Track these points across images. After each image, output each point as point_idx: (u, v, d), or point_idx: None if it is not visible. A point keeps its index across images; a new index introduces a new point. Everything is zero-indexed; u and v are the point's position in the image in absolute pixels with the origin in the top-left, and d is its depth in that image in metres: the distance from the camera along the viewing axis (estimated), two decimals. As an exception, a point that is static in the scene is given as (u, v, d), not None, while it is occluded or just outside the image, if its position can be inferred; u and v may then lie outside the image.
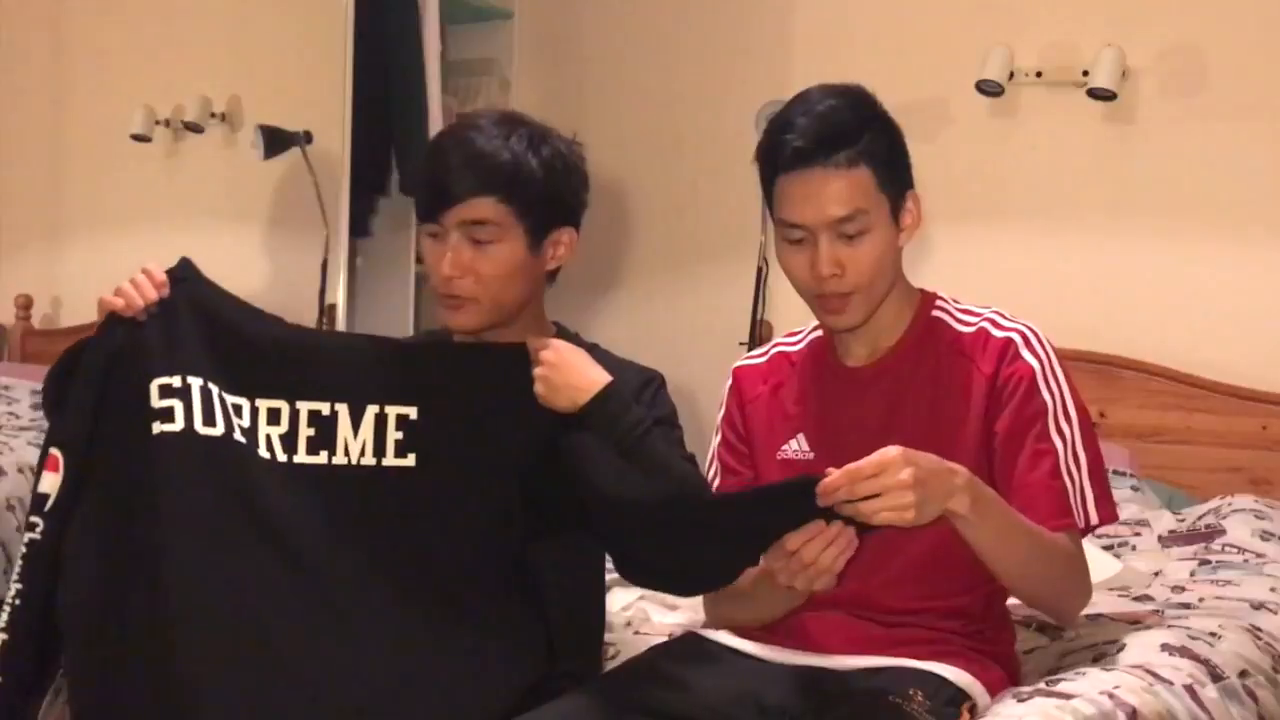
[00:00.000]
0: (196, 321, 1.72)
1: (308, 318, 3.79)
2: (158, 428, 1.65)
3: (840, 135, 1.73)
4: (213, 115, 4.18)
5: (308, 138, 3.81)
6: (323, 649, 1.65)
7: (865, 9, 3.76)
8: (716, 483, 1.93)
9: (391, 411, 1.73)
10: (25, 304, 4.48)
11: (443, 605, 1.70)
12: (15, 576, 1.66)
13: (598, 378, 1.74)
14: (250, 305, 1.80)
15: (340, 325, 3.80)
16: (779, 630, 1.79)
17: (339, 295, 3.80)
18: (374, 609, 1.68)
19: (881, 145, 1.76)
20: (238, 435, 1.69)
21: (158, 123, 4.28)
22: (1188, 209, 3.34)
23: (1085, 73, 3.37)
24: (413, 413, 1.73)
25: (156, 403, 1.66)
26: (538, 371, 1.74)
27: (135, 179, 4.39)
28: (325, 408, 1.72)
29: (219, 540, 1.65)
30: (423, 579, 1.70)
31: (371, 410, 1.73)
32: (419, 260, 3.93)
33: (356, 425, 1.72)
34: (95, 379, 1.68)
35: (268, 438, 1.71)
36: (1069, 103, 3.43)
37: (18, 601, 1.65)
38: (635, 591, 2.32)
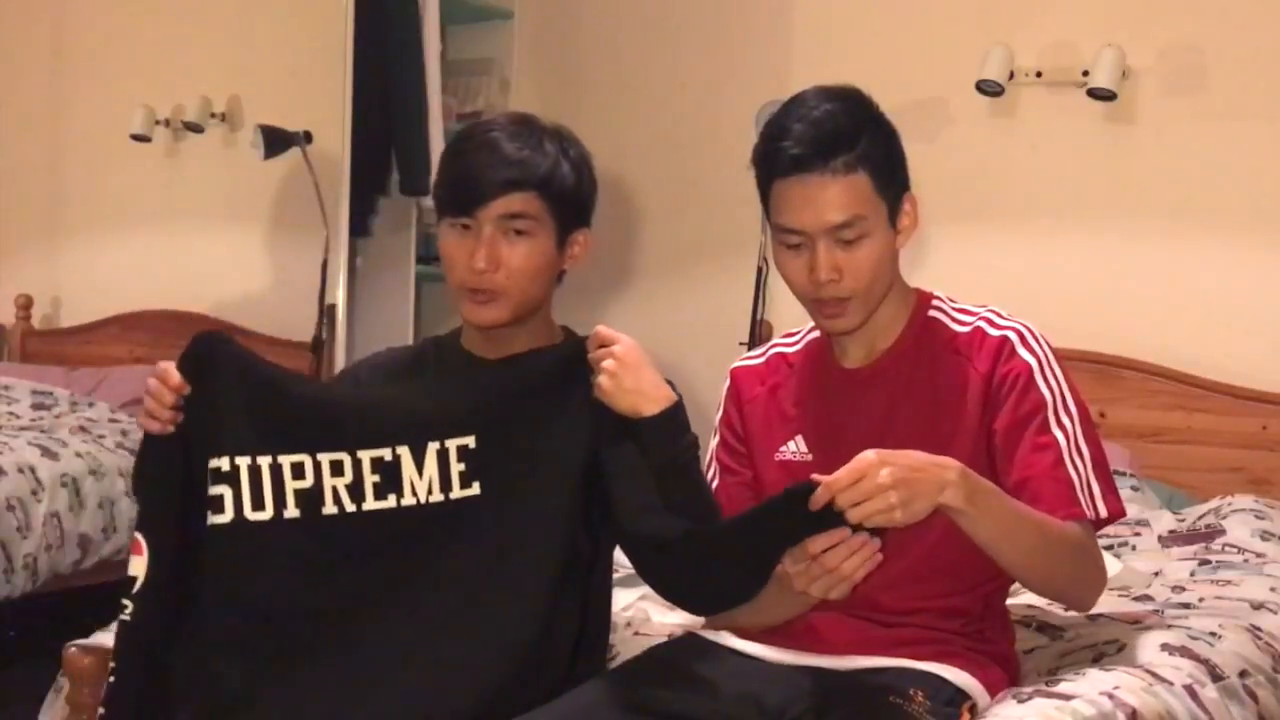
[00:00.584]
0: (242, 388, 1.70)
1: (308, 317, 3.80)
2: (211, 518, 1.67)
3: (837, 141, 1.72)
4: (213, 115, 4.19)
5: (308, 138, 3.82)
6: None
7: (865, 9, 3.76)
8: (715, 483, 1.92)
9: (452, 445, 1.72)
10: (25, 304, 4.48)
11: (511, 626, 1.70)
12: (111, 659, 1.69)
13: (666, 391, 1.74)
14: (290, 371, 1.81)
15: (340, 325, 3.80)
16: (779, 631, 1.79)
17: (339, 295, 3.81)
18: (441, 650, 1.68)
19: (878, 149, 1.75)
20: (289, 512, 1.68)
21: (158, 123, 4.29)
22: (1188, 209, 3.34)
23: (1085, 73, 3.36)
24: (471, 441, 1.72)
25: (211, 489, 1.67)
26: (608, 365, 1.72)
27: (135, 179, 4.40)
28: (387, 453, 1.71)
29: (267, 634, 1.67)
30: (501, 606, 1.70)
31: (433, 447, 1.71)
32: (419, 260, 3.94)
33: (420, 464, 1.71)
34: (158, 473, 1.70)
35: (334, 489, 1.70)
36: (1069, 103, 3.43)
37: (112, 679, 1.68)
38: (635, 591, 2.32)
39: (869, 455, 1.51)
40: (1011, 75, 3.46)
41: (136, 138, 4.29)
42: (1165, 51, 3.35)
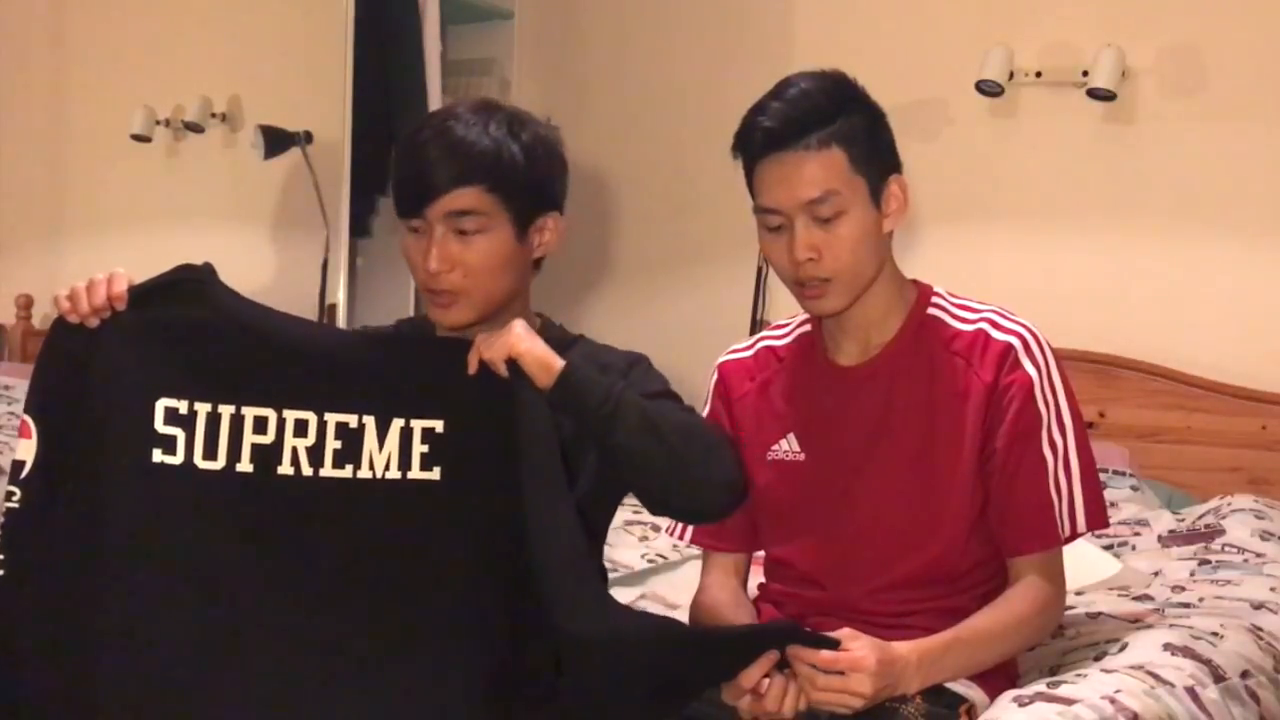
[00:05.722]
0: (221, 332, 1.68)
1: (308, 317, 3.79)
2: (158, 455, 1.63)
3: (811, 118, 1.73)
4: (213, 115, 4.18)
5: (308, 138, 3.81)
6: (300, 690, 1.62)
7: (865, 9, 3.76)
8: None
9: (417, 425, 1.68)
10: (25, 304, 4.47)
11: (458, 620, 1.65)
12: None
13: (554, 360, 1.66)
14: (274, 310, 1.76)
15: (340, 325, 3.80)
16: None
17: (339, 295, 3.80)
18: (387, 627, 1.64)
19: (857, 127, 1.75)
20: (242, 465, 1.65)
21: (158, 123, 4.28)
22: (1187, 209, 3.34)
23: (1085, 73, 3.36)
24: (439, 426, 1.68)
25: (161, 427, 1.64)
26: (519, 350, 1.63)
27: (135, 179, 4.39)
28: (353, 420, 1.68)
29: (201, 585, 1.62)
30: (441, 593, 1.66)
31: (397, 424, 1.68)
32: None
33: (382, 438, 1.67)
34: (61, 359, 1.68)
35: (294, 450, 1.66)
36: (1069, 103, 3.43)
37: (1, 571, 1.62)
38: (635, 591, 2.32)
39: (871, 660, 1.56)
40: (1011, 75, 3.46)
41: (136, 138, 4.28)
42: (1165, 51, 3.35)
